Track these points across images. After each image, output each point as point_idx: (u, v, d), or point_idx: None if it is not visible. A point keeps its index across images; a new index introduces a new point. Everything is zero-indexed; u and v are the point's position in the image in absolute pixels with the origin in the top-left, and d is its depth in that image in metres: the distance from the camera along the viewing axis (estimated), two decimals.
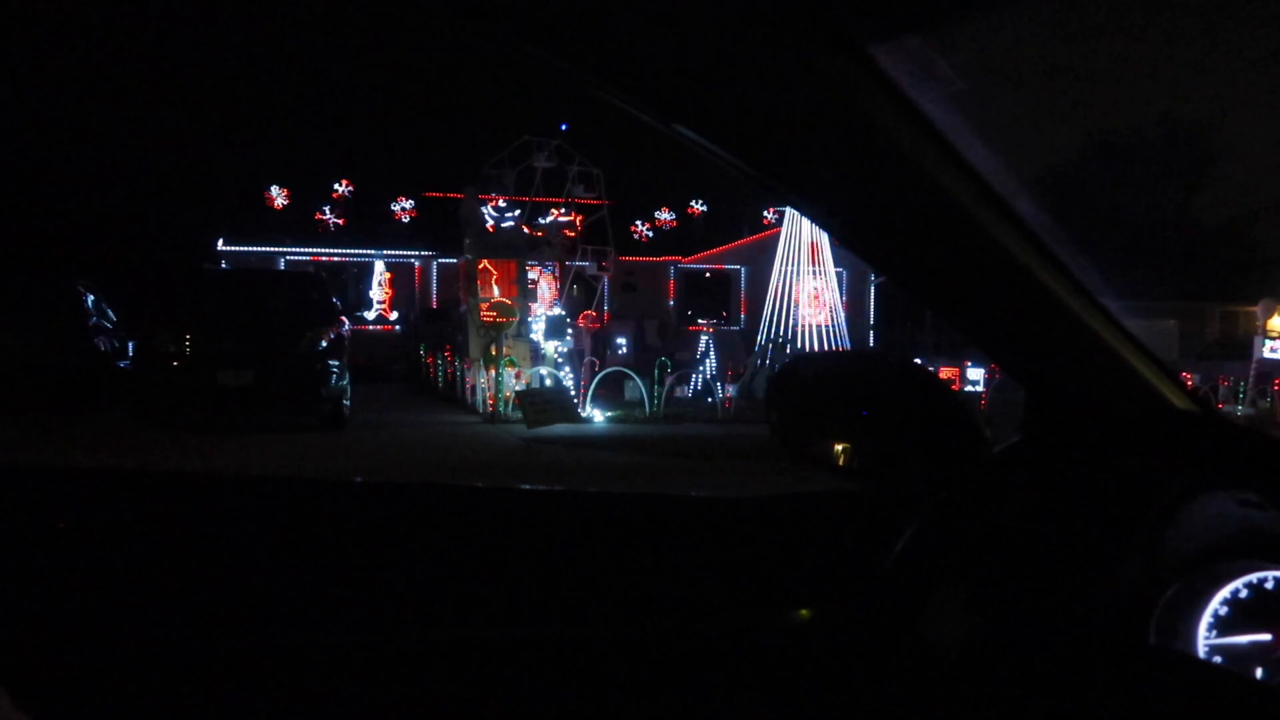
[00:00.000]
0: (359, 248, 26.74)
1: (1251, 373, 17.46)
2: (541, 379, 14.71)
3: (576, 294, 18.38)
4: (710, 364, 17.02)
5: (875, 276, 25.87)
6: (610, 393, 15.02)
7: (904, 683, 1.26)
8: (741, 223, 28.56)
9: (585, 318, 18.09)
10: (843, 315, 20.72)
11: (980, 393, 16.68)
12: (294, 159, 28.75)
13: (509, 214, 16.78)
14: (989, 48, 1.04)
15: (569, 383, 14.90)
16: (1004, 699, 1.19)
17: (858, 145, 0.94)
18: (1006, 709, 1.19)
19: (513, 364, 14.34)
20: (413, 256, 27.19)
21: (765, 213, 27.65)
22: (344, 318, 13.22)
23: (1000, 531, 1.28)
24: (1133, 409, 1.19)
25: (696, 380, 16.67)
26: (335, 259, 26.46)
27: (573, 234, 17.69)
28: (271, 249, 25.41)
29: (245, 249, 25.19)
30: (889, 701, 1.27)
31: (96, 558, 1.33)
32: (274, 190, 27.47)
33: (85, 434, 11.18)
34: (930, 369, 1.41)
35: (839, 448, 1.45)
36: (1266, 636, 1.20)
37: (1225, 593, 1.22)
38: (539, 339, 15.63)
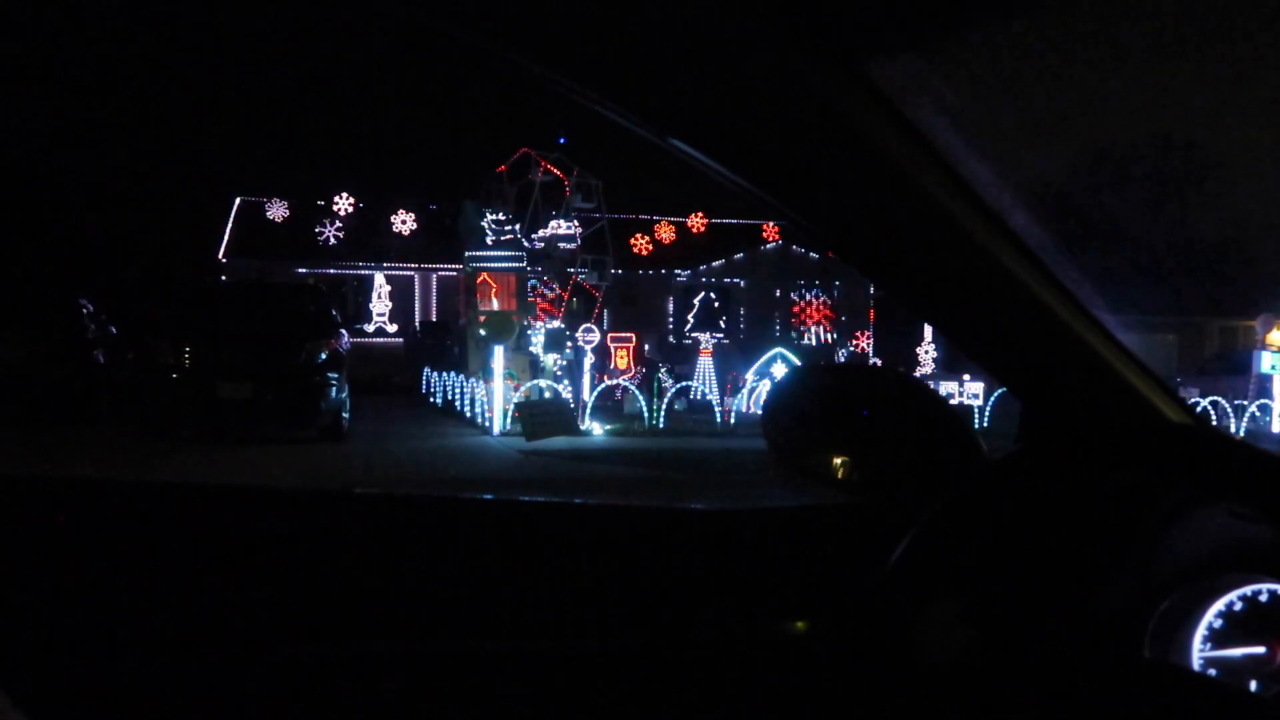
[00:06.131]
0: (359, 260, 26.77)
1: (1251, 387, 17.44)
2: (540, 392, 14.70)
3: (576, 307, 18.38)
4: (710, 379, 16.98)
5: (873, 290, 25.88)
6: (610, 405, 15.01)
7: (899, 695, 1.26)
8: (741, 236, 28.59)
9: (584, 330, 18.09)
10: (840, 329, 20.72)
11: (982, 408, 16.66)
12: (295, 172, 28.84)
13: (508, 226, 16.79)
14: (983, 63, 1.05)
15: (568, 395, 14.89)
16: (998, 712, 1.19)
17: (852, 160, 0.95)
18: None
19: (512, 376, 14.33)
20: (412, 269, 27.22)
21: (766, 226, 27.70)
22: (343, 330, 13.23)
23: (995, 544, 1.28)
24: (1127, 422, 1.19)
25: (697, 393, 16.64)
26: (335, 271, 26.49)
27: (573, 246, 17.72)
28: (272, 262, 25.42)
29: (246, 262, 25.21)
30: (884, 714, 1.27)
31: (96, 566, 1.33)
32: (275, 203, 27.52)
33: (86, 446, 11.17)
34: (928, 382, 1.42)
35: (835, 461, 1.45)
36: (1261, 649, 1.20)
37: (1220, 605, 1.22)
38: (538, 351, 15.62)
